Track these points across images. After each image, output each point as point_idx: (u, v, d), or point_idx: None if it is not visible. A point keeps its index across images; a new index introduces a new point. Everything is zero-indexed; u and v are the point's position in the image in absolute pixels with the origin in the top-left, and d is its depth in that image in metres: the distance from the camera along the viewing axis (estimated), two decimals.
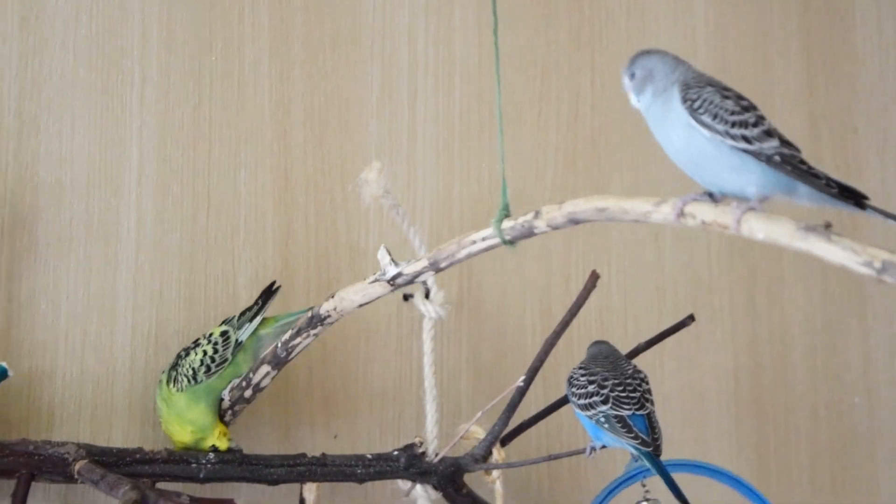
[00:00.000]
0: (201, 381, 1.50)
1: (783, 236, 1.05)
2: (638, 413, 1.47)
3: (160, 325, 1.59)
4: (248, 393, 1.53)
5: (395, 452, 1.59)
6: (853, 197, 1.17)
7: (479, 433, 1.60)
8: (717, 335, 1.95)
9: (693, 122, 1.16)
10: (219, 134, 1.67)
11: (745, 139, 1.15)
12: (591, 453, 1.50)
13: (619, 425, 1.45)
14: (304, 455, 1.55)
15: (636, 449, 1.45)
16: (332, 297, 1.46)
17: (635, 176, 1.90)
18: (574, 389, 1.50)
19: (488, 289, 1.80)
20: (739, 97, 1.18)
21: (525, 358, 1.77)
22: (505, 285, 1.81)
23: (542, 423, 1.68)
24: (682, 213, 1.12)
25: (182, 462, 1.49)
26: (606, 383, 1.48)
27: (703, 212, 1.12)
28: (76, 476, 1.42)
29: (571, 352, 1.82)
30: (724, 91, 1.18)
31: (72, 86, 1.59)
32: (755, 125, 1.16)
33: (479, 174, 1.81)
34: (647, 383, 1.51)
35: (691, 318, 1.70)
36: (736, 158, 1.16)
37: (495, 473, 1.60)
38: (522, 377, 1.57)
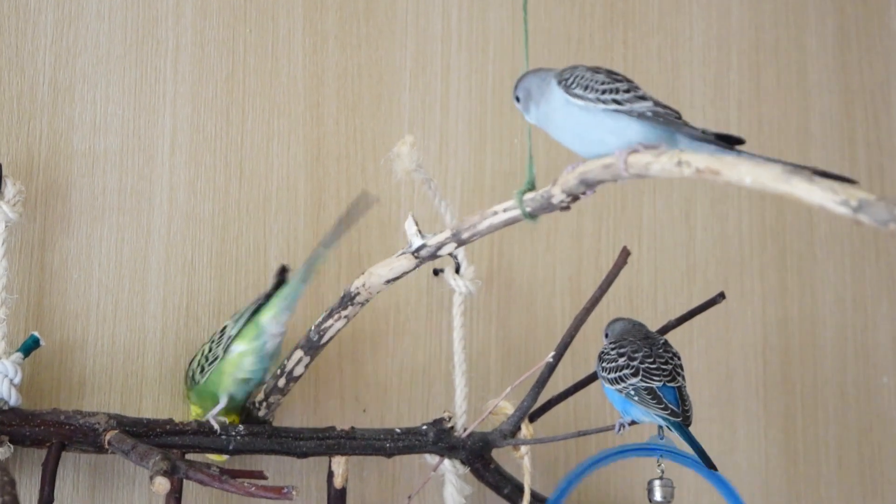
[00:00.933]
0: (199, 381, 1.49)
1: (769, 179, 1.06)
2: (669, 385, 1.48)
3: (191, 295, 1.59)
4: (281, 382, 1.52)
5: (424, 427, 1.59)
6: (728, 142, 1.22)
7: (508, 409, 1.60)
8: (746, 314, 1.95)
9: (568, 97, 1.24)
10: (252, 104, 1.66)
11: (616, 102, 1.22)
12: (620, 430, 1.50)
13: (650, 397, 1.47)
14: (332, 428, 1.55)
15: (665, 420, 1.47)
16: (363, 273, 1.45)
17: None
18: (604, 364, 1.51)
19: (518, 265, 1.80)
20: (611, 72, 1.25)
21: (554, 334, 1.77)
22: (535, 261, 1.81)
23: (570, 400, 1.68)
24: (679, 163, 1.13)
25: (211, 434, 1.49)
26: (637, 355, 1.49)
27: (697, 159, 1.13)
28: (106, 446, 1.42)
29: (601, 329, 1.81)
30: (596, 69, 1.25)
31: (106, 55, 1.58)
32: (627, 91, 1.23)
33: (511, 150, 1.81)
34: (679, 358, 1.52)
35: (721, 295, 1.69)
36: (611, 120, 1.22)
37: (523, 449, 1.60)
38: (552, 353, 1.56)
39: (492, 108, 1.81)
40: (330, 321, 1.48)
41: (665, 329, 1.67)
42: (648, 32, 1.95)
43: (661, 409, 1.46)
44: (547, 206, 1.28)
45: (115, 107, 1.58)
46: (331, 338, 1.49)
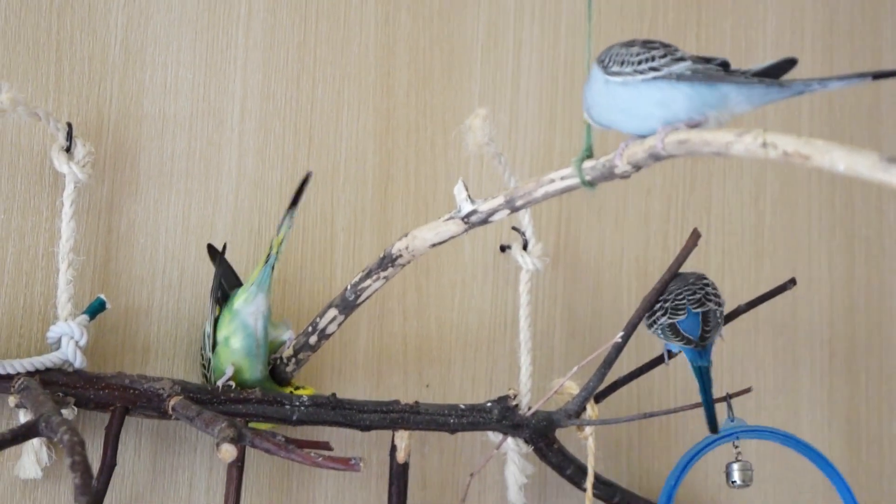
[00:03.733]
0: (212, 382, 1.47)
1: (865, 167, 1.01)
2: (696, 310, 1.51)
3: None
4: (312, 339, 1.49)
5: (489, 404, 1.57)
6: (777, 71, 1.19)
7: (573, 388, 1.58)
8: (813, 302, 1.92)
9: (607, 77, 1.21)
10: (322, 72, 1.64)
11: (654, 69, 1.18)
12: (668, 360, 1.58)
13: (671, 332, 1.51)
14: (397, 402, 1.53)
15: (683, 349, 1.51)
16: (406, 235, 1.42)
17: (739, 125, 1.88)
18: (647, 314, 1.55)
19: (585, 244, 1.77)
20: (647, 41, 1.22)
21: (620, 315, 1.76)
22: (602, 241, 1.79)
23: (633, 383, 1.66)
24: (764, 144, 1.09)
25: (275, 403, 1.47)
26: (668, 297, 1.53)
27: (785, 142, 1.08)
28: (170, 412, 1.40)
29: None
30: (630, 42, 1.22)
31: (179, 18, 1.56)
32: (663, 56, 1.19)
33: (581, 127, 1.77)
34: (714, 287, 1.55)
35: (792, 281, 1.67)
36: (653, 90, 1.18)
37: (588, 430, 1.58)
38: (621, 333, 1.54)
39: (563, 85, 1.79)
40: (368, 281, 1.45)
41: (735, 313, 1.65)
42: (722, 13, 1.93)
43: (679, 339, 1.51)
44: (608, 175, 1.25)
45: (185, 71, 1.56)
46: (367, 297, 1.46)
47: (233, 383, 1.46)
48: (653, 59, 1.19)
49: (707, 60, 1.20)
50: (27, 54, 1.48)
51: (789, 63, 1.20)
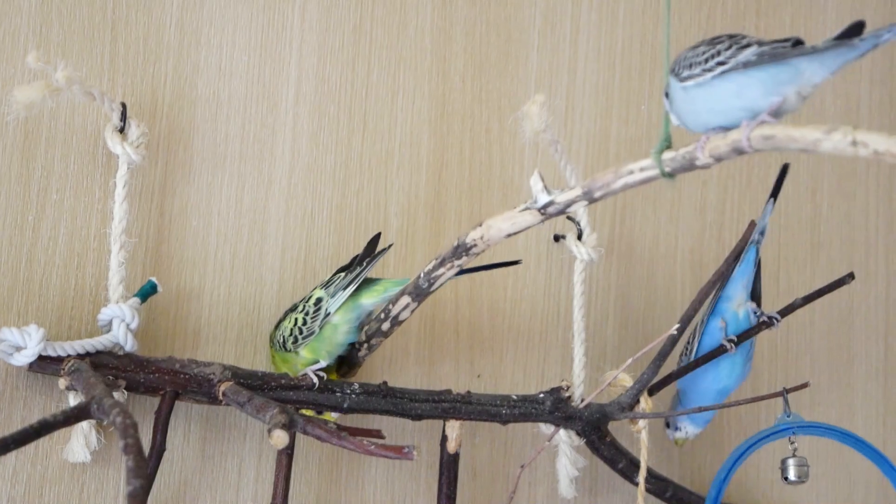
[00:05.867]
0: (290, 350, 1.46)
1: None
2: None
3: (310, 249, 1.56)
4: (385, 326, 1.48)
5: (541, 395, 1.55)
6: (851, 34, 1.15)
7: (627, 381, 1.57)
8: (870, 296, 1.90)
9: (683, 84, 1.20)
10: (378, 56, 1.62)
11: (721, 63, 1.17)
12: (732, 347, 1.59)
13: None
14: (449, 391, 1.51)
15: None
16: (480, 225, 1.40)
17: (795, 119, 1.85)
18: None
19: (640, 235, 1.75)
20: (713, 39, 1.21)
21: (673, 308, 1.74)
22: (657, 232, 1.76)
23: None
24: (854, 142, 1.06)
25: (327, 391, 1.46)
26: None
27: (877, 141, 1.05)
28: (221, 397, 1.39)
29: None
30: (696, 45, 1.21)
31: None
32: (728, 48, 1.18)
33: (637, 116, 1.76)
34: None
35: (851, 276, 1.65)
36: (728, 84, 1.17)
37: (641, 423, 1.56)
38: (676, 325, 1.52)
39: (620, 72, 1.76)
40: (441, 269, 1.42)
41: (791, 307, 1.63)
42: (782, 2, 1.90)
43: None
44: (689, 167, 1.23)
45: (240, 53, 1.55)
46: (440, 285, 1.44)
47: (324, 375, 1.45)
48: (718, 53, 1.18)
49: (779, 42, 1.18)
50: (82, 33, 1.46)
51: (858, 27, 1.16)
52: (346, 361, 1.52)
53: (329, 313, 1.45)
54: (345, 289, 1.46)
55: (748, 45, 1.18)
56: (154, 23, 1.50)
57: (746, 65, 1.16)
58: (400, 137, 1.63)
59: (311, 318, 1.45)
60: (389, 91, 1.63)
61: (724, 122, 1.18)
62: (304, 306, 1.46)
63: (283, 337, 1.46)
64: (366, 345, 1.50)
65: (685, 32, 1.81)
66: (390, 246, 1.50)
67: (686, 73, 1.20)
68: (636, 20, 1.78)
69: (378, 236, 1.51)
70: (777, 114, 1.15)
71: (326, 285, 1.47)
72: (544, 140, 1.48)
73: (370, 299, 1.47)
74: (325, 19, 1.60)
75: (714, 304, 1.60)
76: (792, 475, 1.56)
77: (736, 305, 1.59)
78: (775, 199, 1.60)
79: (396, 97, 1.63)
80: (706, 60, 1.19)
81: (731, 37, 1.20)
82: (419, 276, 1.45)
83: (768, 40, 1.18)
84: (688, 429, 1.63)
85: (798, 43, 1.17)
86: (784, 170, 1.60)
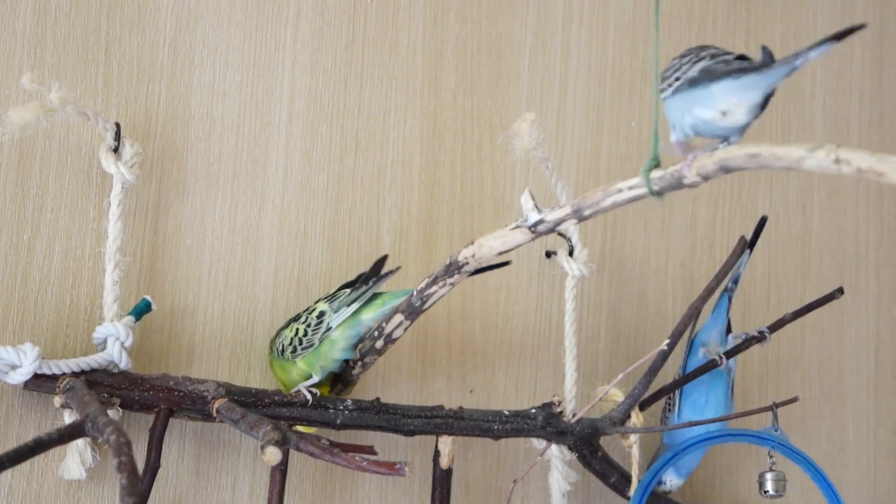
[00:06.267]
0: (288, 359, 1.47)
1: None
2: None
3: (303, 266, 1.57)
4: (379, 344, 1.49)
5: (533, 410, 1.56)
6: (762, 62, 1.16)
7: (618, 396, 1.58)
8: (860, 312, 1.91)
9: (662, 95, 1.22)
10: (370, 75, 1.64)
11: (677, 79, 1.19)
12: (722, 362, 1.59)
13: None
14: (441, 407, 1.52)
15: None
16: (472, 243, 1.41)
17: (785, 136, 1.87)
18: None
19: (630, 250, 1.76)
20: (685, 52, 1.22)
21: (665, 322, 1.75)
22: (648, 247, 1.77)
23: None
24: (837, 160, 1.07)
25: (320, 407, 1.47)
26: None
27: (860, 158, 1.07)
28: (215, 414, 1.40)
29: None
30: (682, 55, 1.22)
31: (227, 19, 1.56)
32: (688, 62, 1.19)
33: (628, 133, 1.77)
34: None
35: (840, 291, 1.66)
36: (680, 100, 1.19)
37: (632, 437, 1.57)
38: (667, 340, 1.53)
39: (611, 89, 1.78)
40: (434, 287, 1.44)
41: (781, 323, 1.64)
42: (771, 19, 1.91)
43: None
44: (676, 185, 1.24)
45: (233, 72, 1.56)
46: (433, 303, 1.45)
47: (317, 391, 1.46)
48: (679, 68, 1.20)
49: (724, 54, 1.19)
50: (76, 54, 1.48)
51: (770, 55, 1.16)
52: (341, 379, 1.53)
53: (330, 328, 1.46)
54: (349, 305, 1.47)
55: (701, 60, 1.19)
56: (147, 43, 1.52)
57: (692, 82, 1.18)
58: (392, 155, 1.64)
59: (313, 330, 1.46)
60: (381, 109, 1.64)
61: (700, 129, 1.20)
62: (307, 318, 1.47)
63: (283, 345, 1.48)
64: (360, 363, 1.51)
65: (675, 49, 1.80)
66: (398, 268, 1.51)
67: (661, 85, 1.22)
68: (626, 38, 1.79)
69: (385, 258, 1.54)
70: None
71: (331, 300, 1.48)
72: (535, 157, 1.50)
73: (370, 314, 1.48)
74: (317, 39, 1.61)
75: (688, 351, 1.62)
76: (770, 488, 1.57)
77: (711, 352, 1.61)
78: (751, 251, 1.62)
79: (388, 115, 1.64)
80: (671, 75, 1.21)
81: (701, 49, 1.21)
82: (412, 294, 1.46)
83: (721, 52, 1.19)
84: (672, 481, 1.63)
85: (741, 58, 1.18)
86: (762, 222, 1.63)
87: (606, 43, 1.79)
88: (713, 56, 1.18)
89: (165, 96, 1.52)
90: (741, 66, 1.16)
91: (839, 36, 1.10)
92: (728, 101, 1.16)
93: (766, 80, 1.15)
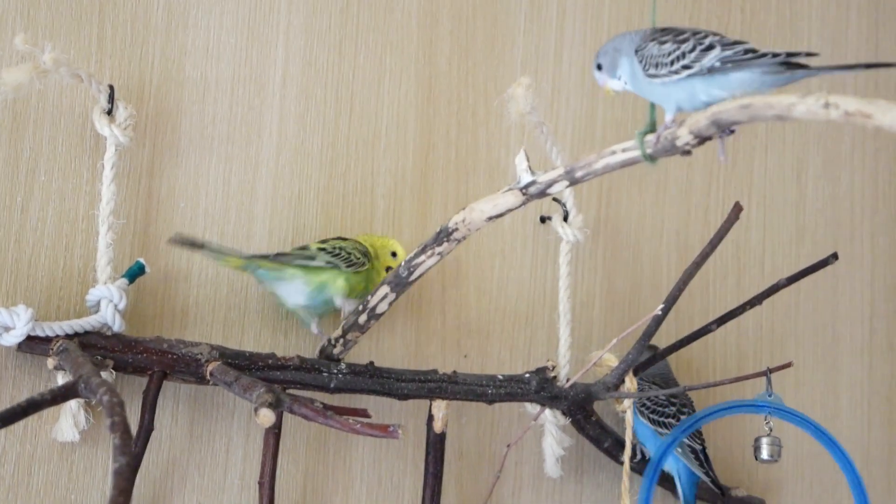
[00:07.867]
0: (336, 265, 1.50)
1: None
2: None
3: (297, 230, 1.56)
4: (362, 318, 1.48)
5: (527, 375, 1.56)
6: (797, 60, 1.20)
7: (612, 361, 1.58)
8: (854, 279, 1.91)
9: (648, 78, 1.23)
10: (364, 39, 1.63)
11: (686, 67, 1.20)
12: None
13: (694, 457, 1.58)
14: (435, 371, 1.52)
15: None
16: (464, 208, 1.40)
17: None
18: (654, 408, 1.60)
19: (626, 217, 1.76)
20: (679, 33, 1.23)
21: (659, 289, 1.75)
22: (643, 213, 1.77)
23: (672, 357, 1.65)
24: (826, 104, 1.09)
25: (314, 370, 1.47)
26: (685, 410, 1.60)
27: (847, 102, 1.08)
28: (208, 377, 1.40)
29: (706, 284, 1.79)
30: (663, 39, 1.23)
31: None
32: (693, 49, 1.21)
33: (623, 99, 1.76)
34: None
35: (834, 256, 1.65)
36: (692, 85, 1.21)
37: (626, 402, 1.57)
38: (661, 305, 1.53)
39: None
40: (422, 257, 1.42)
41: (775, 288, 1.63)
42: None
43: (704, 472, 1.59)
44: (670, 149, 1.24)
45: (228, 35, 1.56)
46: (420, 275, 1.44)
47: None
48: (683, 55, 1.21)
49: (735, 44, 1.21)
50: (70, 16, 1.47)
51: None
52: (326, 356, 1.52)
53: (311, 262, 1.48)
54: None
55: (711, 48, 1.20)
56: (141, 5, 1.51)
57: (711, 70, 1.19)
58: (386, 120, 1.63)
59: (362, 265, 1.50)
60: (376, 73, 1.64)
61: (686, 108, 1.22)
62: (369, 257, 1.52)
63: (346, 251, 1.49)
64: (341, 340, 1.50)
65: (671, 15, 1.82)
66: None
67: (652, 70, 1.22)
68: (622, 3, 1.79)
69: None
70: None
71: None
72: (530, 122, 1.50)
73: (346, 300, 1.51)
74: (311, 2, 1.61)
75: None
76: (765, 454, 1.57)
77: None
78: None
79: (383, 80, 1.64)
80: (672, 63, 1.21)
81: (696, 34, 1.22)
82: (399, 265, 1.45)
83: (730, 41, 1.20)
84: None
85: (750, 51, 1.20)
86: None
87: (602, 9, 1.78)
88: (723, 44, 1.20)
89: (159, 58, 1.52)
90: (774, 65, 1.19)
91: (869, 65, 1.19)
92: (745, 90, 1.19)
93: (789, 80, 1.19)
